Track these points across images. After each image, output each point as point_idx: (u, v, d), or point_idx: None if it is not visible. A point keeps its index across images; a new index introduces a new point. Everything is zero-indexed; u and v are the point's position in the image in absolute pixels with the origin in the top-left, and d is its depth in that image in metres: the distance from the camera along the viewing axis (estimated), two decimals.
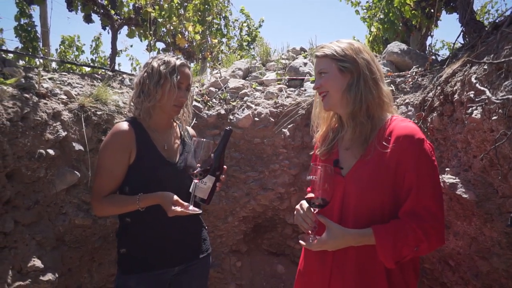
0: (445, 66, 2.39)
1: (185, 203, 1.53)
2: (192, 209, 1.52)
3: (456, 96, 2.01)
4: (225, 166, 1.70)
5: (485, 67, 1.74)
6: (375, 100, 1.37)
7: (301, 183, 3.06)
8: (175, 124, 1.84)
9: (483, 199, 1.87)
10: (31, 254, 1.77)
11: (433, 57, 3.32)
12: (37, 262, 1.76)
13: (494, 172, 1.81)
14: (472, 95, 1.74)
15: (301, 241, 1.35)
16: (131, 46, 6.30)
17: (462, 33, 2.64)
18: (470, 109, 1.72)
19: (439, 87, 2.26)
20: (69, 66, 4.27)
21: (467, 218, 2.01)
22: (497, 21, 2.27)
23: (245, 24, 6.74)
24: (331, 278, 1.40)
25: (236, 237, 3.20)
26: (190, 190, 1.58)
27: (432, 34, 2.93)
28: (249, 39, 6.79)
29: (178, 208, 1.51)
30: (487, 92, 1.45)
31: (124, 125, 1.63)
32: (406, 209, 1.27)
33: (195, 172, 1.49)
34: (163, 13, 3.49)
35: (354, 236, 1.28)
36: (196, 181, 1.53)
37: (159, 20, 3.57)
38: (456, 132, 2.04)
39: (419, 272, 1.44)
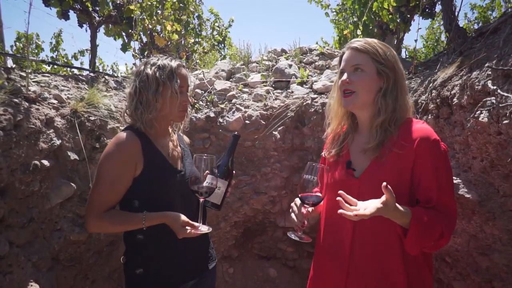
0: (436, 70, 2.48)
1: (196, 223, 1.46)
2: (202, 228, 1.46)
3: (455, 99, 2.08)
4: (234, 171, 1.67)
5: (489, 72, 1.83)
6: (402, 111, 1.39)
7: (293, 185, 3.04)
8: (171, 130, 1.75)
9: (485, 198, 1.96)
10: (28, 278, 1.58)
11: (408, 59, 3.46)
12: (35, 287, 1.58)
13: (494, 173, 1.90)
14: (477, 99, 1.81)
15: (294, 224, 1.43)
16: (97, 45, 5.87)
17: (447, 38, 2.77)
18: (477, 112, 1.79)
19: (434, 91, 2.33)
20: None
21: (466, 216, 2.09)
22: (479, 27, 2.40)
23: (216, 24, 6.63)
24: (347, 280, 1.39)
25: (227, 243, 3.12)
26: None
27: (415, 39, 3.03)
28: (220, 39, 6.69)
29: (189, 229, 1.43)
30: None
31: (129, 135, 1.47)
32: (431, 204, 1.28)
33: (200, 190, 1.43)
34: (142, 11, 3.31)
35: (400, 214, 1.22)
36: (201, 200, 1.48)
37: (136, 18, 3.39)
38: (454, 134, 2.12)
39: (432, 270, 1.46)
